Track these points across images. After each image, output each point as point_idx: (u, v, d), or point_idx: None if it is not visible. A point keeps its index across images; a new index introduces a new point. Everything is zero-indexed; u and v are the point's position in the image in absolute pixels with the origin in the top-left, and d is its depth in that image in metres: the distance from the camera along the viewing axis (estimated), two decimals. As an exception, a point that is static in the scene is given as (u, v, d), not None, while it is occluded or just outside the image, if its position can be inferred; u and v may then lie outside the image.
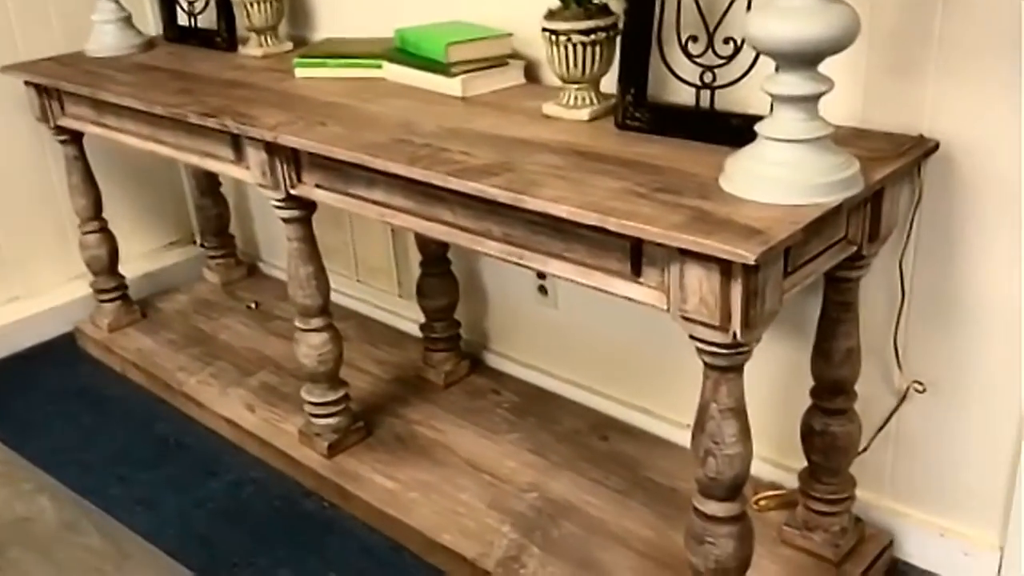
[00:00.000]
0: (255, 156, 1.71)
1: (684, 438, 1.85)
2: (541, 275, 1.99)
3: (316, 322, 1.85)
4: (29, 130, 2.45)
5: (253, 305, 2.58)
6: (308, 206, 1.74)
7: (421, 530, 1.73)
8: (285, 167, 1.67)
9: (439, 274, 2.10)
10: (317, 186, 1.65)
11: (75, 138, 2.31)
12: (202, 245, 2.81)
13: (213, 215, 2.68)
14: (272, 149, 1.67)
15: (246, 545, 1.80)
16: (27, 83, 2.25)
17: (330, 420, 1.93)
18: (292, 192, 1.69)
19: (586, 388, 2.06)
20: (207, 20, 2.32)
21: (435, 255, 2.08)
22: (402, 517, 1.76)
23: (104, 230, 2.41)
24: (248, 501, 1.92)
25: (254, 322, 2.50)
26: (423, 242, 2.06)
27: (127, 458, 2.08)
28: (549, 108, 1.60)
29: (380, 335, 2.39)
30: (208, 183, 2.64)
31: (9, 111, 2.43)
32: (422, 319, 2.18)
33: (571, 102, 1.57)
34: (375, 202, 1.56)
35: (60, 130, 2.29)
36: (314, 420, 1.93)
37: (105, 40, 2.31)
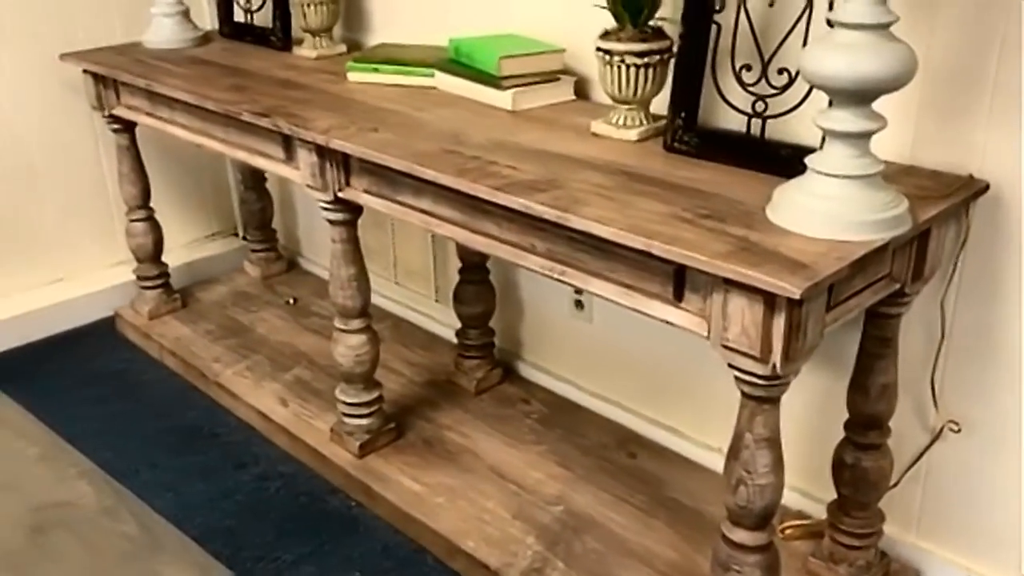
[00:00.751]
0: (306, 158, 1.73)
1: (711, 460, 1.86)
2: (578, 289, 2.00)
3: (355, 323, 1.87)
4: (82, 117, 2.50)
5: (292, 301, 2.61)
6: (355, 209, 1.76)
7: (445, 535, 1.74)
8: (335, 170, 1.70)
9: (477, 282, 2.12)
10: (365, 191, 1.68)
11: (128, 127, 2.36)
12: (244, 238, 2.85)
13: (257, 209, 2.72)
14: (323, 152, 1.69)
15: (271, 539, 1.82)
16: (85, 71, 2.30)
17: (363, 420, 1.95)
18: (340, 195, 1.72)
19: (615, 403, 2.07)
20: (263, 18, 2.35)
21: (475, 263, 2.10)
22: (427, 520, 1.78)
23: (151, 219, 2.46)
24: (275, 495, 1.95)
25: (291, 317, 2.53)
26: (464, 250, 2.07)
27: (159, 444, 2.11)
28: (598, 126, 1.61)
29: (414, 337, 2.41)
30: (254, 177, 2.68)
31: (64, 97, 2.48)
32: (457, 324, 2.20)
33: (620, 122, 1.58)
34: (421, 210, 1.58)
35: (114, 119, 2.33)
36: (347, 419, 1.96)
37: (163, 33, 2.36)
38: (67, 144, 2.55)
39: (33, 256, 2.57)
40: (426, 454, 1.96)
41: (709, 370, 1.79)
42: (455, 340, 2.23)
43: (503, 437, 2.01)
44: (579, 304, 2.06)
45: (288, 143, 1.79)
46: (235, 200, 2.91)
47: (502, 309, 2.20)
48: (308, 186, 1.76)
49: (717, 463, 1.84)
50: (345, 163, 1.69)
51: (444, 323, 2.37)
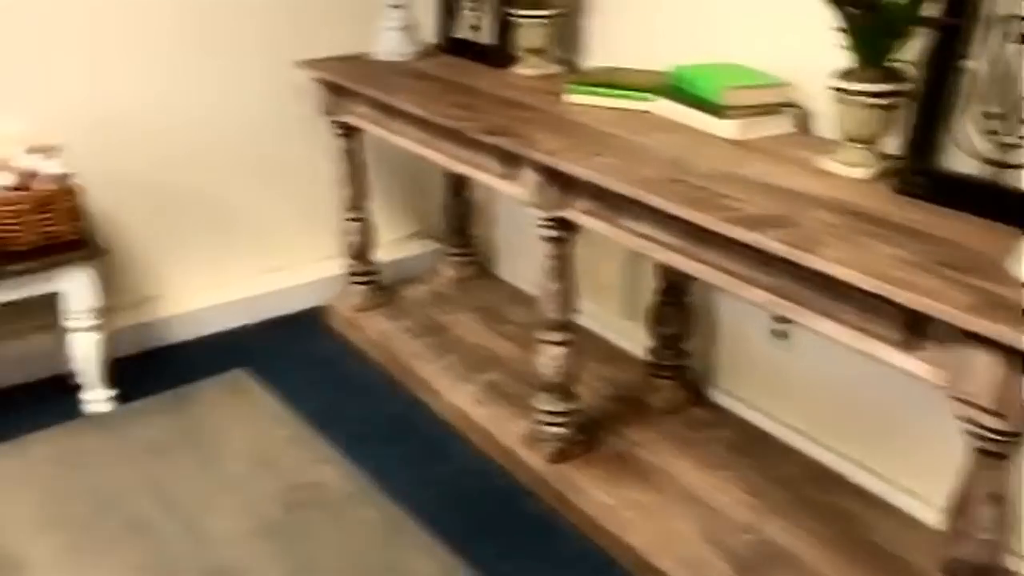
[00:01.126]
0: (529, 176, 1.82)
1: (909, 504, 1.83)
2: (780, 318, 2.00)
3: (559, 336, 1.95)
4: (306, 120, 2.67)
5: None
6: (571, 228, 1.83)
7: (637, 549, 1.79)
8: (557, 190, 1.78)
9: (674, 303, 2.16)
10: (585, 212, 1.75)
11: (351, 133, 2.52)
12: (443, 241, 2.98)
13: (458, 215, 2.84)
14: (547, 172, 1.77)
15: (468, 533, 1.91)
16: (316, 80, 2.47)
17: (558, 429, 2.02)
18: (560, 214, 1.79)
19: (809, 437, 2.06)
20: (483, 35, 2.46)
21: (675, 284, 2.13)
22: (618, 533, 1.83)
23: (364, 219, 2.62)
24: (472, 490, 2.04)
25: (485, 321, 2.63)
26: (667, 271, 2.11)
27: (364, 431, 2.24)
28: (826, 163, 1.62)
29: (602, 352, 2.47)
30: (459, 185, 2.81)
31: (292, 101, 2.67)
32: (645, 341, 2.24)
33: (850, 160, 1.59)
34: (642, 235, 1.63)
35: (339, 125, 2.50)
36: (543, 426, 2.04)
37: (389, 45, 2.51)
38: (291, 144, 2.74)
39: (256, 246, 2.79)
40: (616, 468, 2.01)
41: (917, 413, 1.76)
42: (641, 357, 2.27)
43: (693, 460, 2.03)
44: (779, 333, 2.06)
45: (509, 160, 1.88)
46: (439, 204, 3.04)
47: (697, 332, 2.23)
48: (530, 204, 1.84)
49: (915, 508, 1.82)
50: (568, 184, 1.76)
51: (631, 339, 2.42)
